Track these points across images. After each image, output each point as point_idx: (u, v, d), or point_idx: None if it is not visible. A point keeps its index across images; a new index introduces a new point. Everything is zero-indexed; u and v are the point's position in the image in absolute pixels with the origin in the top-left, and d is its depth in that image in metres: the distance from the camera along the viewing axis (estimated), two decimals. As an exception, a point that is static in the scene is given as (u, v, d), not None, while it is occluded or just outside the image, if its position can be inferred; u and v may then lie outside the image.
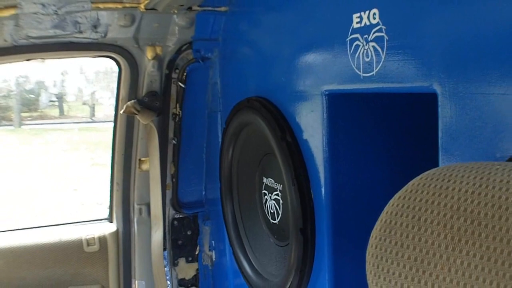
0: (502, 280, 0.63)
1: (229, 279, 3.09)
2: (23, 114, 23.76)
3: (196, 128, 3.12)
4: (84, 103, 26.30)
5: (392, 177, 1.97)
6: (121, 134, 3.01)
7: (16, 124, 22.39)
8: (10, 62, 2.65)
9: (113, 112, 3.06)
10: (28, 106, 24.62)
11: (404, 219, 0.73)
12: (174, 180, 3.13)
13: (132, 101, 2.84)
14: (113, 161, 3.06)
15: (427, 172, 0.77)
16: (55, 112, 25.63)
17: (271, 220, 2.45)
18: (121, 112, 2.85)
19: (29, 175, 14.42)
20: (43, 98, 25.09)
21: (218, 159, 2.83)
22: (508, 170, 0.71)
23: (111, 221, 3.15)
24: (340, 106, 1.90)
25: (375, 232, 0.77)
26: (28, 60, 2.65)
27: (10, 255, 2.95)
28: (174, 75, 2.96)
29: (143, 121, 2.87)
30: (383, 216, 0.76)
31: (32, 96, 24.02)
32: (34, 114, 24.93)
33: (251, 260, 2.61)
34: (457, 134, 1.32)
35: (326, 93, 1.88)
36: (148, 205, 3.05)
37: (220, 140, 2.82)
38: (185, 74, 2.97)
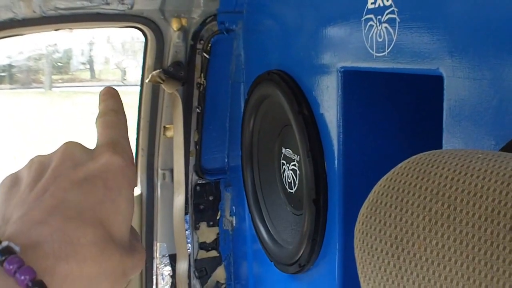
0: (471, 263, 0.70)
1: (247, 244, 3.19)
2: (54, 77, 23.82)
3: (220, 97, 3.18)
4: (115, 67, 26.36)
5: (401, 153, 2.04)
6: (147, 102, 3.09)
7: (47, 87, 22.49)
8: (39, 31, 2.74)
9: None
10: (59, 69, 24.68)
11: (389, 199, 0.81)
12: (197, 147, 3.21)
13: (158, 70, 2.91)
14: (139, 128, 3.14)
15: (414, 157, 0.84)
16: (86, 75, 25.66)
17: (288, 189, 2.54)
18: (147, 81, 2.94)
19: (55, 137, 14.57)
20: (74, 60, 25.07)
21: (240, 128, 2.91)
22: (488, 160, 0.78)
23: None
24: (354, 83, 1.96)
25: (363, 210, 0.84)
26: (56, 30, 2.73)
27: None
28: (198, 46, 3.02)
29: (168, 90, 2.95)
30: (371, 195, 0.84)
31: (62, 61, 24.05)
32: (65, 76, 24.98)
33: (268, 226, 2.70)
34: (460, 117, 1.38)
35: (341, 70, 1.95)
36: (171, 171, 3.14)
37: (242, 110, 2.89)
38: (209, 45, 3.02)
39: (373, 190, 0.85)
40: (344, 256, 2.08)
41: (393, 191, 0.81)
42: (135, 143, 3.19)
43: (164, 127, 3.12)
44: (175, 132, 3.05)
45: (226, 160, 3.34)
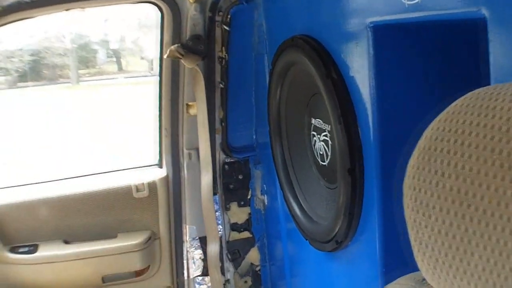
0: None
1: (281, 223, 3.05)
2: (81, 71, 24.07)
3: (243, 71, 3.04)
4: (142, 58, 26.41)
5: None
6: (167, 80, 2.97)
7: (74, 81, 22.69)
8: (49, 13, 2.62)
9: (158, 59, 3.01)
10: (85, 63, 24.91)
11: (445, 144, 0.64)
12: (223, 124, 3.09)
13: (176, 45, 2.78)
14: (160, 107, 3.02)
15: (471, 92, 0.67)
16: (113, 67, 25.85)
17: (321, 162, 2.39)
18: (165, 56, 2.80)
19: (83, 128, 14.66)
20: (101, 55, 25.30)
21: (266, 102, 2.76)
22: None
23: (160, 167, 3.14)
24: (386, 38, 1.79)
25: (412, 160, 0.69)
26: (67, 10, 2.61)
27: (59, 203, 2.98)
28: (217, 18, 2.88)
29: (188, 65, 2.82)
30: (421, 142, 0.68)
31: (88, 55, 24.29)
32: (92, 70, 25.21)
33: (301, 203, 2.56)
34: (507, 61, 1.21)
35: (371, 25, 1.78)
36: (197, 150, 3.01)
37: (267, 82, 2.74)
38: (229, 16, 2.88)
39: (423, 136, 0.69)
40: (384, 229, 1.92)
41: (450, 133, 0.65)
42: (157, 123, 3.07)
43: (187, 104, 2.99)
44: (199, 110, 2.91)
45: (254, 137, 3.21)
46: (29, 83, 22.09)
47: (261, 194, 3.26)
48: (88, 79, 23.49)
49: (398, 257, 1.96)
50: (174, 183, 3.09)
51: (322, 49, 2.08)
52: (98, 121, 15.43)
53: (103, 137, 13.82)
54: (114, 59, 25.65)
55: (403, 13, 1.60)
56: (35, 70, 23.00)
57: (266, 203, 3.26)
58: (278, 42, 2.51)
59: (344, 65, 1.98)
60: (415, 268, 1.92)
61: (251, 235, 3.32)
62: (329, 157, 2.30)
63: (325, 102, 2.06)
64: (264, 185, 3.23)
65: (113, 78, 23.18)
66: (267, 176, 3.19)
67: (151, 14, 2.93)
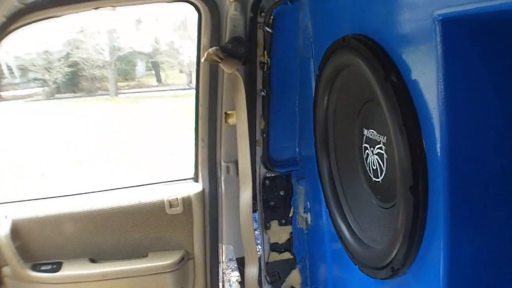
0: None
1: (325, 244, 2.80)
2: (120, 84, 24.57)
3: (287, 77, 2.82)
4: (181, 71, 26.71)
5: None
6: (205, 86, 2.77)
7: (112, 93, 23.07)
8: (77, 12, 2.44)
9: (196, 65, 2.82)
10: (124, 76, 25.43)
11: None
12: (264, 135, 2.88)
13: (215, 47, 2.56)
14: (197, 116, 2.83)
15: None
16: (152, 80, 26.33)
17: (374, 178, 2.12)
18: (203, 60, 2.59)
19: (122, 140, 14.70)
20: (140, 67, 25.85)
21: (312, 111, 2.51)
22: None
23: (196, 181, 2.93)
24: (457, 34, 1.51)
25: None
26: (96, 8, 2.42)
27: (86, 219, 2.81)
28: (260, 20, 2.68)
29: (227, 70, 2.60)
30: None
31: (127, 66, 24.78)
32: (131, 83, 25.75)
33: (350, 223, 2.29)
34: None
35: (439, 18, 1.50)
36: (236, 163, 2.81)
37: (313, 89, 2.49)
38: (272, 17, 2.67)
39: None
40: (450, 257, 1.64)
41: None
42: (194, 133, 2.86)
43: (226, 113, 2.79)
44: (238, 119, 2.69)
45: (297, 150, 2.98)
46: (68, 95, 22.57)
47: (304, 212, 3.04)
48: (127, 91, 23.88)
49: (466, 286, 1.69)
50: (210, 198, 2.90)
51: (379, 48, 1.81)
52: (136, 134, 15.48)
53: (140, 151, 13.79)
54: (153, 72, 26.08)
55: (478, 2, 1.34)
56: (74, 81, 23.48)
57: (309, 222, 3.03)
58: (326, 45, 2.26)
59: (405, 66, 1.71)
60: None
61: (292, 256, 3.10)
62: (383, 173, 2.03)
63: (383, 109, 1.80)
64: (308, 203, 3.00)
65: (152, 91, 23.55)
66: (311, 193, 2.96)
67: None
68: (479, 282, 1.68)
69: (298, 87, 2.83)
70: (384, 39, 1.83)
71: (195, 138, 2.86)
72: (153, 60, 25.66)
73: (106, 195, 2.98)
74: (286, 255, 3.08)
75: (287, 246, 3.07)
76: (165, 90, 23.03)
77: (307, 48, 2.64)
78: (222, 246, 2.93)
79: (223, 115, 2.78)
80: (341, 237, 2.35)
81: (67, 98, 22.36)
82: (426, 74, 1.61)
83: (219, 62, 2.55)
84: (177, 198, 2.84)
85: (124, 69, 25.34)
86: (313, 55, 2.59)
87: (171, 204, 2.84)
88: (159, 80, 26.14)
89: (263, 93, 2.79)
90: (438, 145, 1.58)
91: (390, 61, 1.76)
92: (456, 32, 1.52)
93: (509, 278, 1.70)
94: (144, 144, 14.28)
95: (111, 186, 3.10)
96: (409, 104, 1.68)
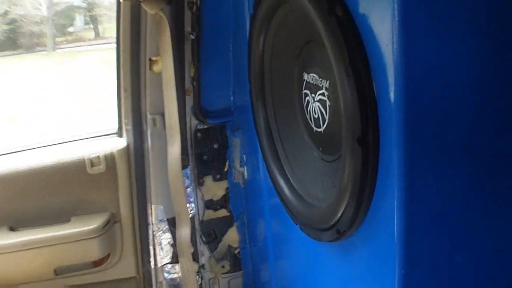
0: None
1: (264, 199, 2.61)
2: (59, 39, 24.33)
3: (220, 18, 2.55)
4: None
5: (487, 60, 1.36)
6: (126, 30, 2.49)
7: (50, 49, 22.74)
8: None
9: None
10: (62, 31, 25.11)
11: None
12: (195, 84, 2.60)
13: (135, -16, 2.26)
14: (119, 63, 2.55)
15: None
16: (91, 34, 26.10)
17: (315, 128, 1.89)
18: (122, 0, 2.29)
19: (57, 95, 14.36)
20: (78, 21, 25.55)
21: (247, 55, 2.25)
22: None
23: (120, 136, 2.67)
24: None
25: None
26: None
27: (1, 183, 2.54)
28: None
29: (149, 10, 2.30)
30: None
31: (65, 21, 24.42)
32: (69, 38, 25.48)
33: (290, 179, 2.07)
34: None
35: None
36: (163, 115, 2.54)
37: (248, 30, 2.22)
38: None
39: None
40: (405, 217, 1.43)
41: None
42: (116, 82, 2.57)
43: (150, 60, 2.51)
44: (164, 66, 2.42)
45: (232, 98, 2.75)
46: (6, 52, 22.01)
47: (241, 165, 2.83)
48: (65, 46, 23.35)
49: (421, 253, 1.49)
50: (136, 155, 2.66)
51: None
52: (71, 89, 15.10)
53: (73, 105, 13.39)
54: (92, 25, 25.56)
55: None
56: (12, 39, 22.89)
57: (246, 176, 2.83)
58: (262, -21, 1.99)
59: (352, -2, 1.47)
60: (440, 268, 1.41)
61: (229, 214, 2.91)
62: (326, 122, 1.80)
63: (326, 49, 1.55)
64: (244, 156, 2.80)
65: (90, 45, 23.13)
66: (247, 145, 2.75)
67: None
68: (435, 243, 1.49)
69: (232, 29, 2.57)
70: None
71: (117, 89, 2.60)
72: (91, 14, 25.16)
73: (23, 156, 2.69)
74: (223, 212, 2.89)
75: (223, 203, 2.87)
76: (103, 44, 22.60)
77: (242, -17, 2.36)
78: (151, 206, 2.71)
79: (147, 62, 2.51)
80: (279, 193, 2.14)
81: (5, 56, 21.72)
82: (378, 4, 1.37)
83: (140, 1, 2.25)
84: (99, 156, 2.58)
85: (62, 24, 24.89)
86: (248, -8, 2.32)
87: (92, 162, 2.58)
88: (97, 33, 25.72)
89: (192, 36, 2.51)
90: (392, 90, 1.35)
91: (334, -9, 1.50)
92: None
93: (466, 239, 1.51)
94: (77, 98, 13.88)
95: (28, 145, 2.80)
96: (357, 41, 1.43)
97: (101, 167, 2.59)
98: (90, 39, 25.13)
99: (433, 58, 1.32)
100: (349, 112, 1.47)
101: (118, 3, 2.46)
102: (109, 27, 25.70)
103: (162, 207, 2.70)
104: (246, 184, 2.83)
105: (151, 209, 2.71)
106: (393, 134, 1.39)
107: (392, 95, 1.36)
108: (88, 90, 14.57)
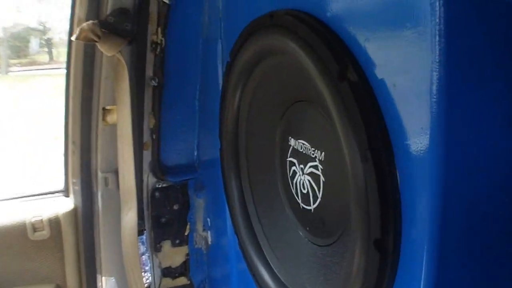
0: None
1: (231, 265, 2.32)
2: (13, 61, 24.15)
3: (186, 63, 2.29)
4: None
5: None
6: (77, 73, 2.21)
7: (3, 71, 22.52)
8: None
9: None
10: (17, 53, 24.96)
11: None
12: (154, 136, 2.33)
13: (91, 21, 1.94)
14: (67, 112, 2.26)
15: None
16: (45, 58, 25.96)
17: (303, 205, 1.58)
18: (74, 38, 1.95)
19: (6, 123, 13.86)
20: (33, 44, 25.43)
21: (217, 108, 1.97)
22: None
23: (66, 195, 2.35)
24: (462, 12, 0.99)
25: None
26: None
27: None
28: (153, -14, 2.11)
29: (106, 52, 2.01)
30: None
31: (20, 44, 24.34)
32: (24, 60, 25.32)
33: (270, 262, 1.75)
34: None
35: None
36: (116, 173, 2.28)
37: (221, 80, 1.97)
38: (169, -16, 2.11)
39: None
40: None
41: None
42: (63, 134, 2.25)
43: (104, 109, 2.22)
44: (120, 117, 2.15)
45: (195, 153, 2.47)
46: None
47: (204, 229, 2.55)
48: (18, 69, 23.02)
49: None
50: (84, 219, 2.36)
51: (328, 31, 1.25)
52: (18, 116, 14.64)
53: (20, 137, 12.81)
54: (46, 49, 25.27)
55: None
56: None
57: (210, 242, 2.55)
58: (241, 23, 1.71)
59: (367, 60, 1.16)
60: None
61: (188, 282, 2.62)
62: (318, 200, 1.49)
63: (333, 118, 1.23)
64: (208, 219, 2.52)
65: (44, 69, 22.87)
66: (212, 207, 2.48)
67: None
68: None
69: (199, 76, 2.30)
70: (333, 17, 1.27)
71: (65, 141, 2.31)
72: (47, 37, 25.00)
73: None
74: (182, 281, 2.59)
75: (182, 270, 2.58)
76: (57, 68, 22.38)
77: (215, 26, 2.09)
78: (101, 278, 2.41)
79: (101, 111, 2.22)
80: (255, 275, 1.81)
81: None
82: (408, 72, 1.06)
83: (96, 42, 1.93)
84: (42, 220, 2.24)
85: (18, 46, 24.65)
86: (222, 35, 2.03)
87: (34, 227, 2.27)
88: (51, 57, 25.51)
89: (153, 82, 2.24)
90: (425, 182, 1.04)
91: (346, 50, 1.19)
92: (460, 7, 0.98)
93: None
94: (23, 130, 13.33)
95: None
96: (377, 117, 1.12)
97: (45, 233, 2.27)
98: (44, 63, 24.93)
99: (477, 151, 1.02)
100: (364, 206, 1.15)
101: (70, 42, 2.13)
102: (63, 51, 25.60)
103: (113, 279, 2.41)
104: (209, 250, 2.57)
105: (101, 281, 2.41)
106: (417, 241, 1.07)
107: (421, 190, 1.04)
108: (36, 120, 14.11)
